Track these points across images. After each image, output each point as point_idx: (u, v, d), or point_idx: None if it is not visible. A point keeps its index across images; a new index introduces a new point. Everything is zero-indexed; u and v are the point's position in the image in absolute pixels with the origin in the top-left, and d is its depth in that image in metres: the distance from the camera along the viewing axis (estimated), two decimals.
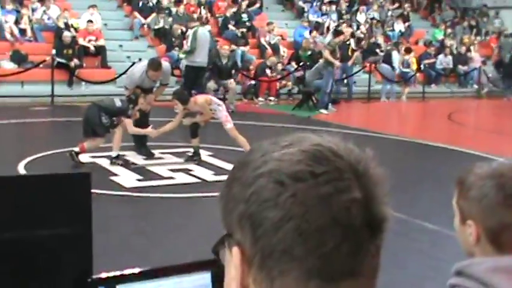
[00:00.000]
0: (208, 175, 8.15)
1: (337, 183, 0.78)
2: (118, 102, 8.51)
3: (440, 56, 20.17)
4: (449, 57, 20.24)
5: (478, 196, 1.61)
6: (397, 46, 19.32)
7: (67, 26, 15.84)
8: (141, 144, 9.18)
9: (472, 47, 21.19)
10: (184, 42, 14.41)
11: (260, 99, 16.23)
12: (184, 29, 16.35)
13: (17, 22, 15.96)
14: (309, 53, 17.23)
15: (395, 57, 18.69)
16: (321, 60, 15.26)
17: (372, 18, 21.00)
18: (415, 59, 19.34)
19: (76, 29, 16.21)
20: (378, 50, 19.47)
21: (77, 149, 8.26)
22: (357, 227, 0.78)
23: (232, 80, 14.84)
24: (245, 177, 0.81)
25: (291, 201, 0.77)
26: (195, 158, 8.89)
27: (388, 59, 18.62)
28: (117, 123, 8.49)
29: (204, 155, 9.10)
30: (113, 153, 8.52)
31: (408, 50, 18.96)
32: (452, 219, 1.68)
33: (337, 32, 16.13)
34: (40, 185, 1.73)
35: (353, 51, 17.52)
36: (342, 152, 0.81)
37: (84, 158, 8.48)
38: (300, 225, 0.76)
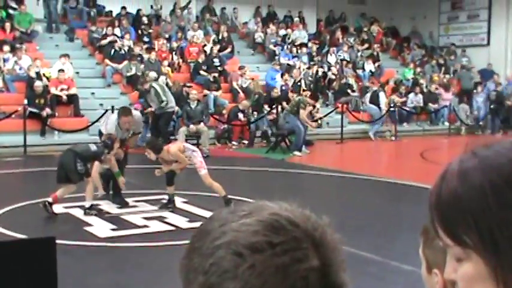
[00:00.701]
0: (182, 222, 8.10)
1: (294, 252, 0.80)
2: (93, 147, 8.52)
3: (411, 95, 20.48)
4: (420, 96, 20.58)
5: (442, 246, 1.64)
6: (384, 87, 19.87)
7: (39, 76, 15.82)
8: (115, 193, 9.14)
9: (450, 87, 21.74)
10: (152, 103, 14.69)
11: (234, 143, 16.28)
12: (156, 76, 16.49)
13: None
14: (256, 97, 17.20)
15: (383, 98, 19.23)
16: (290, 104, 15.57)
17: (342, 60, 21.30)
18: (386, 99, 19.71)
19: (48, 78, 16.19)
20: (349, 91, 19.75)
21: (50, 200, 8.20)
22: None
23: (202, 124, 14.94)
24: (204, 247, 0.82)
25: (249, 272, 0.78)
26: (170, 205, 8.84)
27: (375, 100, 19.11)
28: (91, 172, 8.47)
29: (179, 201, 9.05)
30: (86, 204, 8.45)
31: (395, 90, 19.90)
32: None
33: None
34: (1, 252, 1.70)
35: (304, 90, 17.81)
36: (299, 220, 0.83)
37: (57, 208, 8.40)
38: None
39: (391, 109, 19.05)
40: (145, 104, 15.15)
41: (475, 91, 21.93)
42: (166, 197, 8.95)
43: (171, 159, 8.63)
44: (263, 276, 0.78)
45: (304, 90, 17.87)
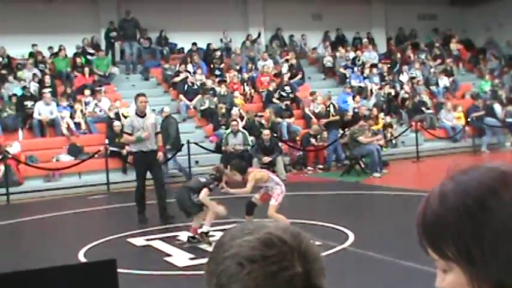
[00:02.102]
0: None
1: (281, 263, 1.04)
2: (202, 179, 8.88)
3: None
4: (500, 107, 20.07)
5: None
6: (496, 98, 20.09)
7: (117, 116, 16.54)
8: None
9: None
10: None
11: (309, 168, 16.40)
12: (229, 107, 16.94)
13: (71, 116, 16.78)
14: (248, 122, 16.97)
15: (498, 109, 19.51)
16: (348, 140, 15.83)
17: (413, 77, 21.10)
18: (462, 113, 19.37)
19: (126, 118, 16.86)
20: (423, 108, 19.53)
21: (191, 235, 8.74)
22: None
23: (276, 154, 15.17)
24: (218, 257, 1.09)
25: (247, 277, 1.04)
26: None
27: (491, 112, 19.33)
28: None
29: None
30: (204, 228, 8.76)
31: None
32: None
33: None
34: (67, 276, 1.93)
35: (333, 115, 17.77)
36: (287, 237, 1.07)
37: (138, 241, 8.76)
38: None
39: (508, 119, 19.22)
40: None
41: None
42: None
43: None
44: (256, 280, 1.03)
45: (333, 115, 17.75)
